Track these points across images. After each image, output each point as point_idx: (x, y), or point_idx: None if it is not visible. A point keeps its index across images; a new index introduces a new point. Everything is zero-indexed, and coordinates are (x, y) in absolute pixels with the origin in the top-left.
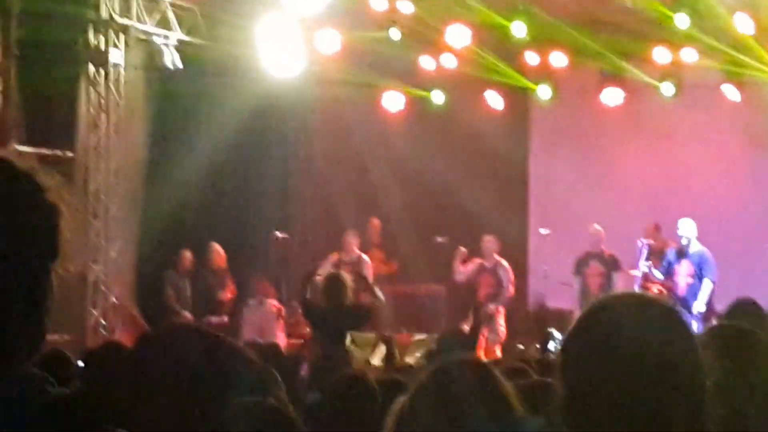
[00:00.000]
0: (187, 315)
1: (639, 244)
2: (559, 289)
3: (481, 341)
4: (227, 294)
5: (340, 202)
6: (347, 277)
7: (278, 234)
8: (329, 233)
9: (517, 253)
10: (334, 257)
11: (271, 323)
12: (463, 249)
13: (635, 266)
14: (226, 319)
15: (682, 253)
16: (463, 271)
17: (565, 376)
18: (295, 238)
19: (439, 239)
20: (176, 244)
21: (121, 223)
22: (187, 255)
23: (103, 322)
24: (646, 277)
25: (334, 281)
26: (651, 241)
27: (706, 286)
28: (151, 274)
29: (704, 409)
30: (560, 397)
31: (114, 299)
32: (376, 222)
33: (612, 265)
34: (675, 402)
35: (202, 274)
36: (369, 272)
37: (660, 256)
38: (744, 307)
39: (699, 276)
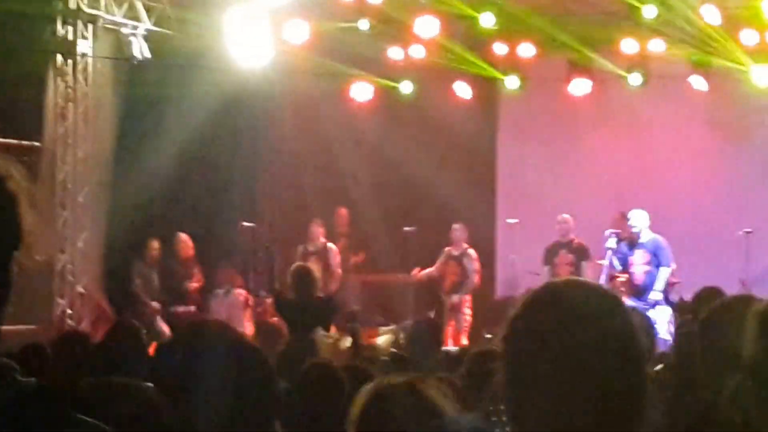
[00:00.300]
0: (155, 304)
1: (606, 233)
2: (526, 278)
3: (448, 331)
4: (194, 283)
5: (308, 191)
6: (316, 269)
7: (246, 224)
8: (298, 223)
9: (485, 242)
10: (300, 248)
11: (238, 312)
12: (415, 271)
13: (603, 255)
14: (193, 308)
15: (633, 243)
16: (430, 269)
17: (507, 361)
18: (263, 228)
19: (407, 229)
20: (144, 234)
21: (89, 212)
22: (155, 245)
23: (70, 311)
24: (612, 267)
25: (302, 274)
26: (618, 231)
27: (663, 273)
28: (119, 263)
29: (644, 393)
30: (501, 383)
31: (81, 289)
32: (343, 212)
33: (581, 254)
34: (614, 385)
35: (170, 263)
36: (335, 261)
37: (631, 246)
38: (709, 296)
39: (656, 264)
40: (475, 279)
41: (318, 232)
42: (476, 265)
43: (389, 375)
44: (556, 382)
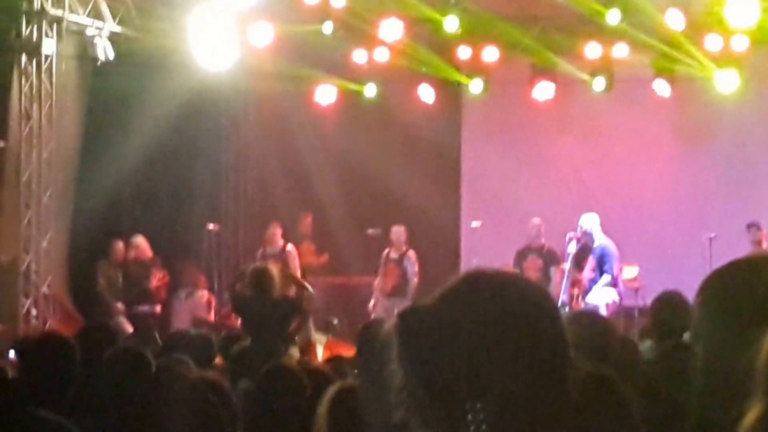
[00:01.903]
0: (119, 305)
1: (567, 237)
2: None
3: None
4: (154, 283)
5: (273, 193)
6: (275, 270)
7: (210, 225)
8: (262, 224)
9: (449, 244)
10: (259, 252)
11: (202, 313)
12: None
13: (566, 259)
14: (157, 308)
15: (588, 248)
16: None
17: (409, 352)
18: (228, 230)
19: (371, 231)
20: (109, 234)
21: (54, 213)
22: (119, 245)
23: (35, 311)
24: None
25: (261, 274)
26: (578, 235)
27: (604, 279)
28: (84, 264)
29: (566, 381)
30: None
31: (46, 289)
32: (307, 216)
33: (550, 259)
34: (539, 373)
35: (131, 264)
36: (294, 263)
37: (585, 251)
38: (669, 299)
39: (600, 271)
40: (415, 281)
41: (276, 234)
42: (416, 268)
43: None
44: (475, 369)
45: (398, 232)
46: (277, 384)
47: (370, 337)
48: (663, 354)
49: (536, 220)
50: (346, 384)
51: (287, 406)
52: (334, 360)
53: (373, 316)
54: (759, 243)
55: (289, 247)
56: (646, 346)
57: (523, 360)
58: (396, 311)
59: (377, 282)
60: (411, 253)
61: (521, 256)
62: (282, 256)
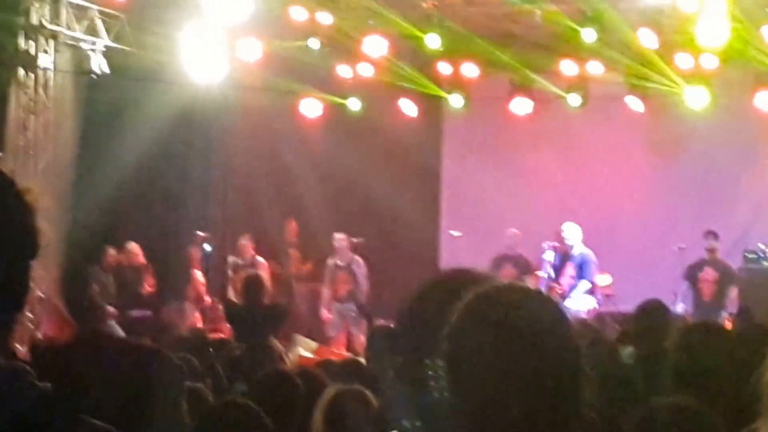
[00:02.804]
0: (111, 309)
1: (543, 246)
2: None
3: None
4: (146, 288)
5: (260, 202)
6: (265, 278)
7: (200, 233)
8: (250, 233)
9: (428, 253)
10: (230, 260)
11: (192, 320)
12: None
13: (542, 267)
14: (149, 313)
15: (566, 256)
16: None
17: (450, 364)
18: (217, 238)
19: (355, 240)
20: (102, 242)
21: (49, 221)
22: (111, 252)
23: (30, 315)
24: (549, 279)
25: (252, 282)
26: (555, 244)
27: (582, 285)
28: (77, 269)
29: (580, 386)
30: (444, 386)
31: (41, 293)
32: (292, 223)
33: (524, 268)
34: (551, 381)
35: (123, 270)
36: (265, 275)
37: (563, 260)
38: (651, 307)
39: (580, 277)
40: (366, 285)
41: (247, 246)
42: (365, 271)
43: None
44: (495, 384)
45: (341, 240)
46: (273, 387)
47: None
48: (645, 359)
49: (513, 231)
50: (341, 389)
51: (283, 409)
52: (324, 364)
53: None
54: (712, 251)
55: (259, 258)
56: (626, 352)
57: (534, 378)
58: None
59: (326, 290)
60: (358, 258)
61: (496, 264)
62: (252, 268)
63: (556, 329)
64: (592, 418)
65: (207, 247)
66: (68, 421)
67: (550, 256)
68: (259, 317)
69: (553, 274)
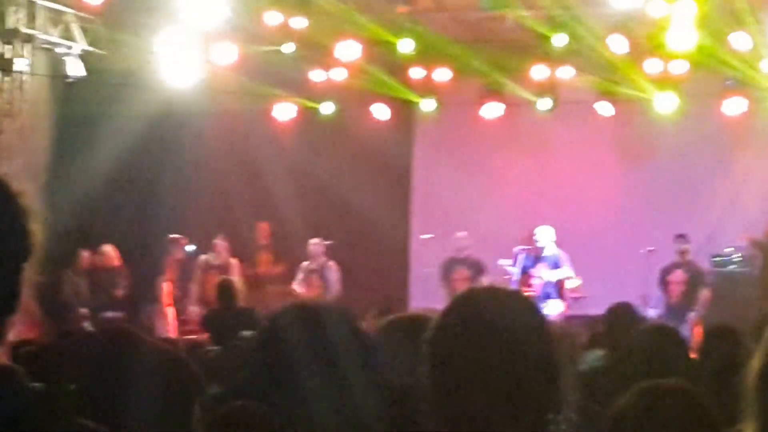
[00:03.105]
0: (84, 311)
1: (515, 250)
2: (439, 292)
3: None
4: (120, 291)
5: (234, 205)
6: (239, 282)
7: (173, 236)
8: (223, 235)
9: (399, 255)
10: (201, 261)
11: (164, 323)
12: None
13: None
14: (121, 315)
15: (538, 258)
16: (299, 283)
17: (432, 365)
18: (191, 241)
19: (326, 243)
20: (75, 244)
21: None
22: (85, 255)
23: None
24: (523, 281)
25: (225, 287)
26: (528, 247)
27: (563, 271)
28: (51, 272)
29: (559, 385)
30: (426, 384)
31: None
32: (264, 225)
33: (477, 268)
34: (529, 379)
35: (98, 273)
36: (237, 277)
37: (536, 262)
38: (620, 311)
39: (551, 278)
40: (338, 288)
41: (221, 246)
42: (338, 275)
43: None
44: (477, 384)
45: (315, 244)
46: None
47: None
48: (615, 361)
49: (462, 234)
50: None
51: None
52: None
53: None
54: (683, 254)
55: (233, 260)
56: (596, 354)
57: (514, 378)
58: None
59: (297, 290)
60: (331, 263)
61: (447, 268)
62: (225, 268)
63: (535, 330)
64: (571, 417)
65: (189, 248)
66: (61, 422)
67: (522, 260)
68: (233, 321)
69: (517, 275)
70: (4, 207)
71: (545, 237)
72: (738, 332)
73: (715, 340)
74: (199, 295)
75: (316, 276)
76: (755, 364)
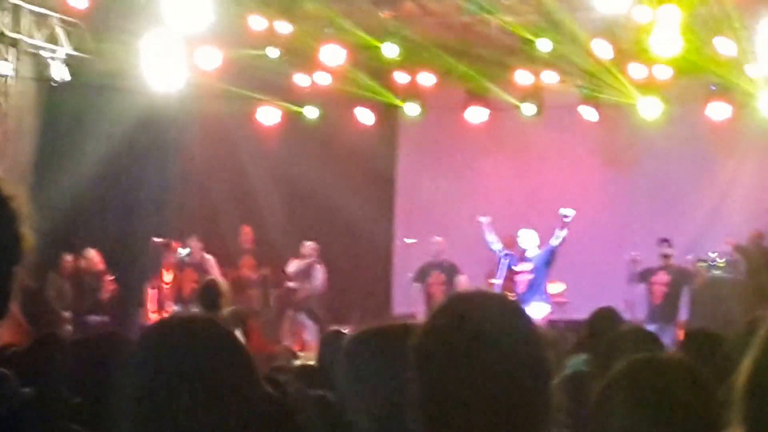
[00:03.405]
0: (66, 315)
1: (499, 254)
2: (421, 295)
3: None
4: (105, 294)
5: (218, 209)
6: (223, 283)
7: (157, 239)
8: (207, 239)
9: (382, 259)
10: (179, 253)
11: None
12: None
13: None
14: (106, 319)
15: (521, 260)
16: (293, 266)
17: (420, 373)
18: (170, 243)
19: (310, 245)
20: (60, 248)
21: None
22: (68, 258)
23: None
24: (507, 284)
25: (208, 288)
26: (511, 252)
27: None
28: (34, 276)
29: (549, 391)
30: (414, 391)
31: None
32: (247, 229)
33: (452, 272)
34: (519, 384)
35: (81, 276)
36: (215, 271)
37: (519, 262)
38: (604, 315)
39: (536, 273)
40: (322, 288)
41: (196, 246)
42: (324, 276)
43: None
44: (466, 390)
45: (308, 246)
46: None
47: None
48: (598, 366)
49: (437, 239)
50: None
51: None
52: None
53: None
54: (666, 257)
55: (208, 256)
56: (581, 359)
57: (502, 382)
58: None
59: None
60: (319, 266)
61: (423, 272)
62: (201, 266)
63: (525, 334)
64: (561, 420)
65: (183, 251)
66: (52, 427)
67: (505, 263)
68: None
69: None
70: None
71: (528, 240)
72: (718, 337)
73: (694, 344)
74: (175, 292)
75: (303, 274)
76: (744, 369)
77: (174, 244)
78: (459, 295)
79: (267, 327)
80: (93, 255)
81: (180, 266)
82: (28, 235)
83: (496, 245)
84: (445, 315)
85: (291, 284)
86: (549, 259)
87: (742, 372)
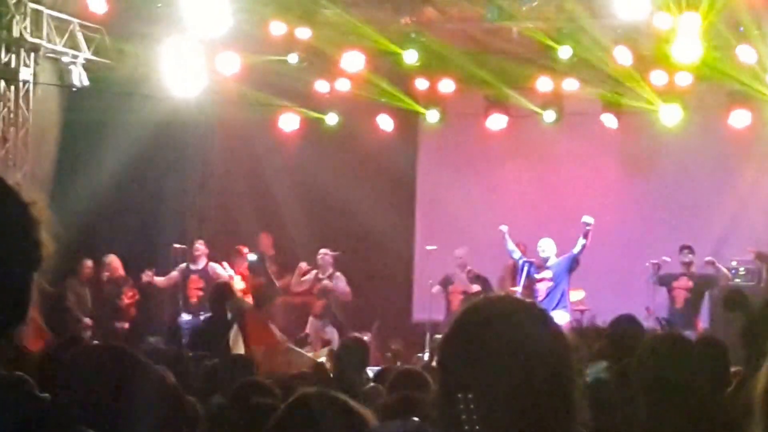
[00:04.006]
0: (87, 321)
1: (519, 263)
2: (442, 302)
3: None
4: (125, 301)
5: (238, 215)
6: (232, 286)
7: (177, 245)
8: (227, 245)
9: (403, 266)
10: (182, 266)
11: None
12: (302, 264)
13: (517, 283)
14: (126, 325)
15: (541, 268)
16: (302, 281)
17: (442, 372)
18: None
19: (335, 253)
20: (80, 253)
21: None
22: (88, 264)
23: None
24: (527, 291)
25: (217, 291)
26: (531, 260)
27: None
28: (55, 281)
29: (573, 398)
30: (434, 393)
31: None
32: (266, 236)
33: (477, 283)
34: (541, 391)
35: (102, 282)
36: (220, 277)
37: (539, 270)
38: (624, 322)
39: (557, 281)
40: (348, 295)
41: (201, 252)
42: (344, 285)
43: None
44: (488, 395)
45: (325, 254)
46: (250, 398)
47: None
48: (619, 373)
49: (459, 251)
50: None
51: (260, 419)
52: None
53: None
54: (688, 265)
55: (212, 264)
56: (601, 366)
57: (525, 387)
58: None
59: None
60: (339, 274)
61: (446, 281)
62: (205, 274)
63: (549, 341)
64: (582, 428)
65: (251, 257)
66: (66, 431)
67: (526, 270)
68: (222, 326)
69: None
70: (16, 216)
71: (549, 249)
72: (724, 346)
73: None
74: (183, 300)
75: (322, 286)
76: (761, 379)
77: (240, 247)
78: (487, 298)
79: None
80: (114, 260)
81: (185, 274)
82: (48, 240)
83: (516, 253)
84: (472, 316)
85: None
86: (570, 267)
87: (760, 380)
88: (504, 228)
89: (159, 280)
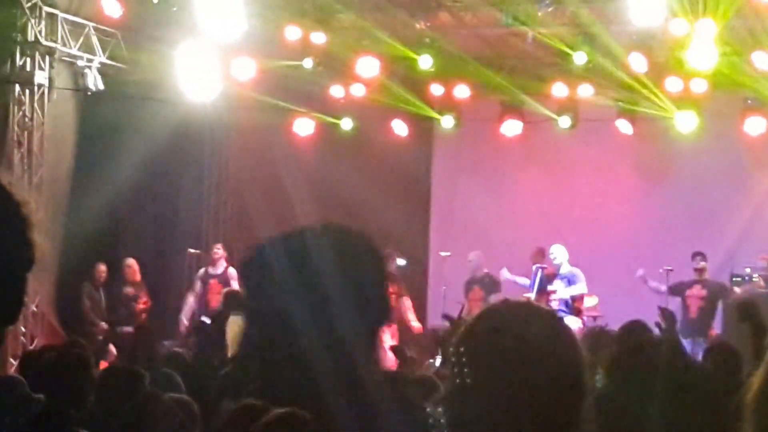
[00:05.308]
0: (102, 325)
1: (533, 269)
2: (456, 308)
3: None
4: (140, 305)
5: (253, 220)
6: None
7: (192, 250)
8: (241, 250)
9: (418, 271)
10: (200, 273)
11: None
12: None
13: (530, 289)
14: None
15: (553, 276)
16: None
17: (456, 369)
18: (208, 255)
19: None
20: (95, 258)
21: (45, 235)
22: (102, 268)
23: (24, 329)
24: (540, 298)
25: (228, 296)
26: (544, 265)
27: (576, 288)
28: (71, 285)
29: (578, 410)
30: (447, 391)
31: (34, 308)
32: None
33: (490, 288)
34: (551, 398)
35: (117, 286)
36: (237, 283)
37: (552, 279)
38: (634, 329)
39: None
40: None
41: (220, 255)
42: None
43: None
44: (496, 395)
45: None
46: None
47: None
48: (626, 380)
49: (474, 254)
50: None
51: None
52: None
53: None
54: (700, 271)
55: (231, 270)
56: (610, 372)
57: (535, 392)
58: None
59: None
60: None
61: (467, 288)
62: (224, 278)
63: (564, 349)
64: None
65: (401, 262)
66: None
67: (540, 277)
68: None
69: (536, 295)
70: (5, 216)
71: (560, 255)
72: (737, 352)
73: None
74: (203, 305)
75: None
76: (755, 382)
77: (389, 251)
78: (506, 303)
79: None
80: (132, 264)
81: (204, 279)
82: (41, 241)
83: (525, 279)
84: (489, 319)
85: None
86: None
87: (751, 385)
88: (505, 273)
89: (191, 301)
